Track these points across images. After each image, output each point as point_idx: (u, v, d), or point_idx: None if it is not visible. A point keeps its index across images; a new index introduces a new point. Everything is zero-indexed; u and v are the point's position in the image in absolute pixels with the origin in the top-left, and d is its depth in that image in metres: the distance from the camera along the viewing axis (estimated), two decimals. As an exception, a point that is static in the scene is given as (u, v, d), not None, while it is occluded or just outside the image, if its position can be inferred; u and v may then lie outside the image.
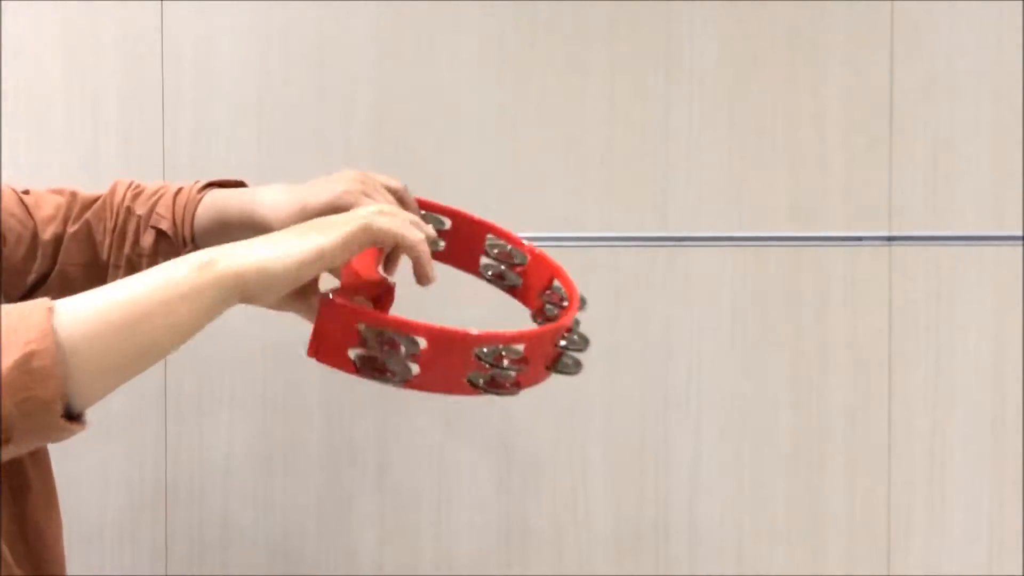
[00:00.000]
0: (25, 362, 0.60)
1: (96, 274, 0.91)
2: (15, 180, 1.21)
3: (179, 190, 0.91)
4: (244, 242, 0.69)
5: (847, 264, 1.25)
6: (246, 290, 0.67)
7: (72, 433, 0.65)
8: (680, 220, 1.24)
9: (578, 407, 1.24)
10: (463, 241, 0.90)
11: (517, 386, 0.70)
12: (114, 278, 0.90)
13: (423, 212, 0.90)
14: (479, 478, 1.25)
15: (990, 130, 1.25)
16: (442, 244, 0.88)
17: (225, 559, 1.24)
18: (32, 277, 0.89)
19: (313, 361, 1.29)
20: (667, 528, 1.25)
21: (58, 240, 0.91)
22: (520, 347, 0.69)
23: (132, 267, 0.90)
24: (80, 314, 0.64)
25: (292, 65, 1.23)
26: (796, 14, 1.24)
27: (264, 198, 0.87)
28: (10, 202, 0.90)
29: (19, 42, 1.22)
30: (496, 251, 0.88)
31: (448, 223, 0.91)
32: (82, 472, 1.22)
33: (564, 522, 1.25)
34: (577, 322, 0.78)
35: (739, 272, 1.25)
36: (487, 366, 0.68)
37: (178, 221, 0.89)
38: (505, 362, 0.68)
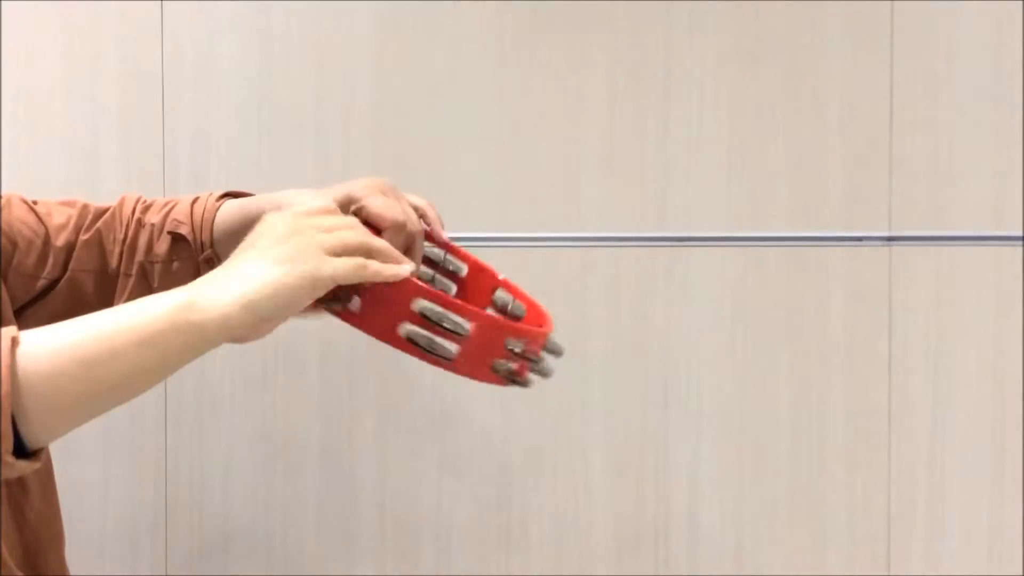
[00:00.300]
0: None
1: (106, 281, 0.91)
2: (15, 180, 1.21)
3: (195, 199, 0.92)
4: (222, 275, 0.66)
5: (847, 264, 1.25)
6: (232, 333, 0.64)
7: (20, 472, 0.62)
8: (680, 220, 1.24)
9: (578, 407, 1.24)
10: (473, 289, 0.90)
11: (454, 366, 0.70)
12: (124, 286, 0.91)
13: (445, 255, 0.90)
14: (479, 478, 1.25)
15: (990, 130, 1.25)
16: (454, 288, 0.90)
17: (225, 560, 1.24)
18: (42, 283, 0.90)
19: (313, 361, 1.29)
20: (667, 528, 1.25)
21: (70, 247, 0.91)
22: (467, 325, 0.68)
23: (144, 273, 0.90)
24: (45, 349, 0.61)
25: (292, 65, 1.23)
26: (796, 14, 1.24)
27: (289, 195, 0.86)
28: (21, 210, 0.90)
29: (19, 42, 1.22)
30: (500, 303, 0.89)
31: (465, 270, 0.91)
32: (82, 473, 1.22)
33: (564, 522, 1.25)
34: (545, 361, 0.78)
35: (739, 272, 1.25)
36: (428, 324, 0.67)
37: (196, 226, 0.89)
38: (447, 324, 0.67)
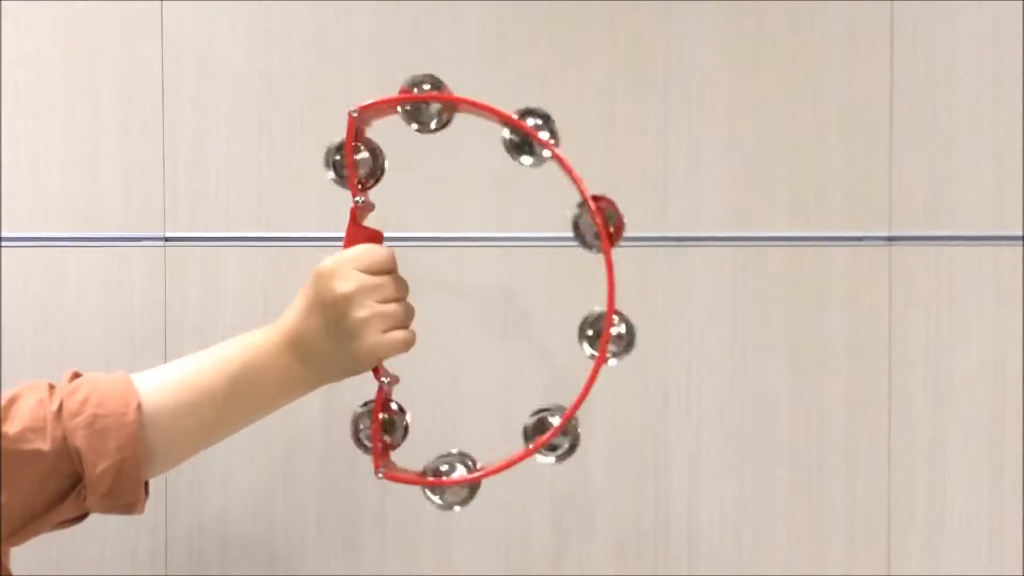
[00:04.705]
0: (116, 469, 0.67)
1: None
2: (15, 180, 1.21)
3: None
4: (317, 353, 0.84)
5: (847, 264, 1.25)
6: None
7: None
8: (680, 220, 1.24)
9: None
10: None
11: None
12: None
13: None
14: (479, 478, 1.25)
15: (990, 130, 1.25)
16: None
17: (225, 560, 1.24)
18: None
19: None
20: (667, 528, 1.25)
21: None
22: None
23: None
24: (162, 405, 0.73)
25: (292, 65, 1.23)
26: (796, 14, 1.24)
27: None
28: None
29: (19, 41, 1.22)
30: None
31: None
32: (82, 472, 1.22)
33: (564, 522, 1.25)
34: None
35: (739, 272, 1.25)
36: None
37: None
38: None
